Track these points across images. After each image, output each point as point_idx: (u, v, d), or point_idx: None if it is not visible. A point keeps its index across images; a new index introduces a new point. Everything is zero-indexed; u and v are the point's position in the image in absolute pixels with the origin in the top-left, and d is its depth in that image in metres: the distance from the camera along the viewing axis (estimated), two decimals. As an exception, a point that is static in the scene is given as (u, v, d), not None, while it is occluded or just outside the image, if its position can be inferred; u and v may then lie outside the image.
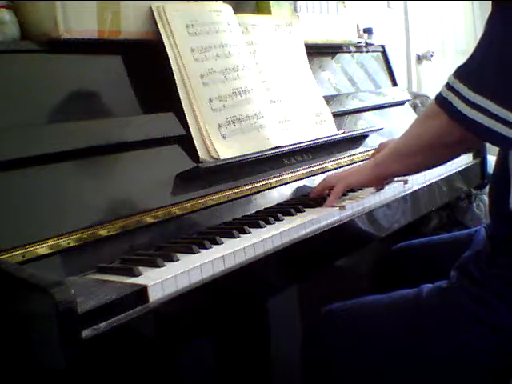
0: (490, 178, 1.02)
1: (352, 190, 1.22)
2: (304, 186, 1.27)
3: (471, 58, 0.86)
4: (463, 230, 1.26)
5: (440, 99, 0.87)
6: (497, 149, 0.95)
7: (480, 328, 0.87)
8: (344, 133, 1.44)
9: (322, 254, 1.05)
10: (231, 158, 1.12)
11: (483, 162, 1.62)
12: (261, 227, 0.99)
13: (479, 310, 0.88)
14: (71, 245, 0.85)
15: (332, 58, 1.67)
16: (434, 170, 1.42)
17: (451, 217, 1.80)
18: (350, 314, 1.00)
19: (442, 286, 0.93)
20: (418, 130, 0.99)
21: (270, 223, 1.01)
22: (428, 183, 1.35)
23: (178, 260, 0.84)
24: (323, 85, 1.56)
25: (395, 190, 1.26)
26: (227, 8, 1.28)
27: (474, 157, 1.63)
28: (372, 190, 1.23)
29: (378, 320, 0.96)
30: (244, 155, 1.15)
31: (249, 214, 1.12)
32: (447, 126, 0.87)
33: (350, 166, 1.29)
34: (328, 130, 1.43)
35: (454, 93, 0.84)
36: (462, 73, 0.85)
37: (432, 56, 2.79)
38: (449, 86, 0.86)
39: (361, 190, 1.25)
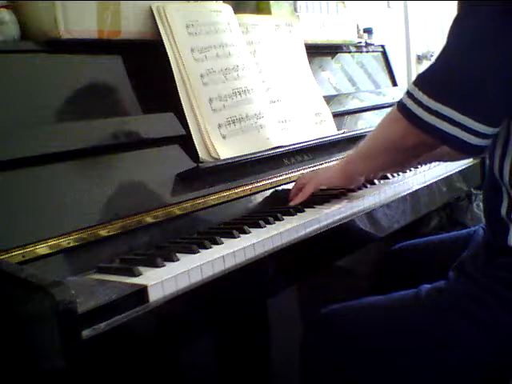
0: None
1: (352, 190, 1.22)
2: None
3: (433, 67, 0.89)
4: (463, 230, 1.26)
5: (400, 105, 0.91)
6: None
7: (478, 328, 0.87)
8: (344, 133, 1.44)
9: (322, 254, 1.05)
10: (231, 158, 1.12)
11: (483, 162, 1.62)
12: (261, 227, 0.99)
13: (477, 310, 0.88)
14: (71, 245, 0.85)
15: (332, 58, 1.67)
16: (434, 169, 1.43)
17: (451, 217, 1.80)
18: (349, 315, 1.00)
19: (441, 287, 0.94)
20: (378, 133, 1.04)
21: (269, 223, 1.01)
22: (428, 183, 1.35)
23: (178, 260, 0.84)
24: (323, 85, 1.56)
25: (395, 189, 1.26)
26: (227, 8, 1.28)
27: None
28: (372, 190, 1.23)
29: (377, 321, 0.96)
30: (244, 155, 1.15)
31: (249, 214, 1.12)
32: (405, 131, 0.91)
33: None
34: (328, 129, 1.43)
35: (414, 100, 0.88)
36: (422, 82, 0.89)
37: (432, 56, 2.79)
38: (408, 94, 0.89)
39: (360, 189, 1.25)
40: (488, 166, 0.96)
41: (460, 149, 0.87)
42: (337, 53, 1.69)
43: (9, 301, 0.69)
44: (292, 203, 1.13)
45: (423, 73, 0.90)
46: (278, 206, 1.15)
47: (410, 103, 0.89)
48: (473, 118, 0.83)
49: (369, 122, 1.61)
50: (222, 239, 0.92)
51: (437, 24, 2.98)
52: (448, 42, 0.88)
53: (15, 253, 0.79)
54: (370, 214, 1.14)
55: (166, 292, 0.76)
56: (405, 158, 1.06)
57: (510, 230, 0.90)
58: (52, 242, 0.83)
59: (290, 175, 1.25)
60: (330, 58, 1.66)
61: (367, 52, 1.81)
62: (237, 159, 1.13)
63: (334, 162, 1.36)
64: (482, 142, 0.85)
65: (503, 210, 0.91)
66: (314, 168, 1.31)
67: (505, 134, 0.90)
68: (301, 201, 1.13)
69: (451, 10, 3.01)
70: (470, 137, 0.84)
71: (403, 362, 0.92)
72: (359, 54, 1.77)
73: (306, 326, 1.04)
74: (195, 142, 1.11)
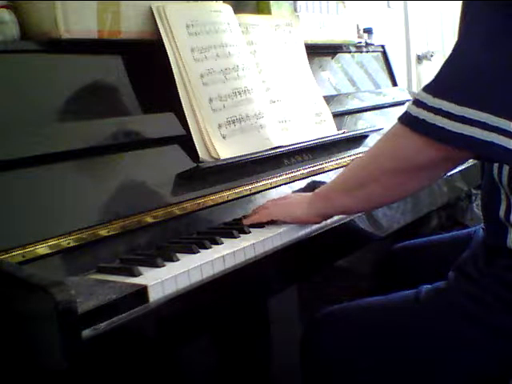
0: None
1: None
2: (304, 186, 1.27)
3: (448, 70, 0.80)
4: (463, 230, 1.26)
5: (409, 118, 0.80)
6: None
7: (478, 328, 0.87)
8: (344, 133, 1.44)
9: (322, 253, 1.05)
10: (231, 158, 1.12)
11: (483, 163, 1.62)
12: (261, 227, 0.99)
13: (477, 310, 0.88)
14: (71, 245, 0.85)
15: (332, 58, 1.67)
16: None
17: (451, 217, 1.80)
18: (349, 315, 1.00)
19: (441, 287, 0.94)
20: (375, 156, 0.89)
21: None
22: (428, 183, 1.35)
23: (178, 260, 0.84)
24: (323, 85, 1.56)
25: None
26: (227, 8, 1.28)
27: (474, 157, 1.63)
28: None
29: (377, 321, 0.96)
30: (244, 155, 1.15)
31: (249, 214, 1.12)
32: (420, 146, 0.79)
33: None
34: (328, 129, 1.43)
35: (429, 109, 0.77)
36: (440, 88, 0.78)
37: (432, 56, 2.79)
38: (420, 103, 0.78)
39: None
40: (486, 168, 0.96)
41: (497, 156, 0.78)
42: (337, 53, 1.69)
43: (9, 301, 0.69)
44: (245, 222, 1.02)
45: (438, 79, 0.80)
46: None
47: (425, 114, 0.77)
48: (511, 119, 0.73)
49: (369, 122, 1.61)
50: (222, 239, 0.92)
51: (437, 24, 2.98)
52: (462, 41, 0.80)
53: (15, 253, 0.79)
54: (370, 214, 1.14)
55: (165, 292, 0.76)
56: (417, 179, 0.86)
57: (509, 232, 0.90)
58: (52, 242, 0.83)
59: (290, 175, 1.25)
60: (329, 58, 1.66)
61: (367, 52, 1.81)
62: (237, 159, 1.13)
63: (332, 163, 1.36)
64: None
65: (501, 212, 0.91)
66: (314, 168, 1.31)
67: None
68: (248, 223, 1.01)
69: (451, 10, 3.01)
70: (508, 141, 0.74)
71: (403, 362, 0.92)
72: (359, 54, 1.77)
73: (305, 326, 1.04)
74: (195, 142, 1.11)
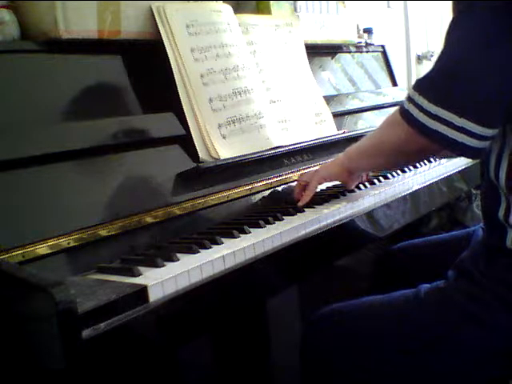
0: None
1: (352, 191, 1.22)
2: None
3: (432, 71, 0.88)
4: (463, 230, 1.26)
5: (402, 110, 0.91)
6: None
7: (478, 328, 0.87)
8: (344, 133, 1.44)
9: (322, 253, 1.05)
10: (231, 158, 1.12)
11: (483, 162, 1.62)
12: (261, 227, 0.99)
13: (476, 309, 0.88)
14: (71, 245, 0.85)
15: (332, 58, 1.67)
16: (434, 169, 1.43)
17: (451, 217, 1.80)
18: (349, 315, 1.00)
19: (440, 286, 0.94)
20: (381, 134, 1.02)
21: (269, 223, 1.01)
22: (428, 183, 1.35)
23: (178, 260, 0.84)
24: (323, 85, 1.56)
25: (395, 189, 1.26)
26: (227, 8, 1.28)
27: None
28: (372, 190, 1.23)
29: (377, 320, 0.96)
30: (244, 155, 1.15)
31: (249, 214, 1.12)
32: (408, 136, 0.90)
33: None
34: (328, 130, 1.43)
35: (415, 105, 0.87)
36: (422, 86, 0.88)
37: (432, 56, 2.79)
38: (409, 99, 0.89)
39: (360, 189, 1.25)
40: (484, 169, 0.96)
41: (460, 152, 0.86)
42: (337, 53, 1.69)
43: (9, 301, 0.69)
44: (301, 203, 1.11)
45: (423, 77, 0.89)
46: (278, 206, 1.15)
47: (411, 108, 0.88)
48: (471, 120, 0.82)
49: (369, 122, 1.61)
50: (222, 239, 0.92)
51: (437, 24, 2.98)
52: (445, 45, 0.87)
53: (15, 253, 0.79)
54: (370, 214, 1.14)
55: (165, 292, 0.76)
56: (408, 160, 1.07)
57: (508, 233, 0.90)
58: (52, 242, 0.83)
59: (290, 175, 1.25)
60: (329, 58, 1.66)
61: (367, 52, 1.81)
62: (237, 159, 1.13)
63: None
64: (481, 144, 0.84)
65: (501, 213, 0.91)
66: (314, 168, 1.31)
67: (500, 138, 0.90)
68: (309, 199, 1.12)
69: (451, 10, 3.01)
70: (468, 139, 0.83)
71: (403, 361, 0.92)
72: (359, 54, 1.78)
73: (305, 325, 1.04)
74: (195, 142, 1.11)
